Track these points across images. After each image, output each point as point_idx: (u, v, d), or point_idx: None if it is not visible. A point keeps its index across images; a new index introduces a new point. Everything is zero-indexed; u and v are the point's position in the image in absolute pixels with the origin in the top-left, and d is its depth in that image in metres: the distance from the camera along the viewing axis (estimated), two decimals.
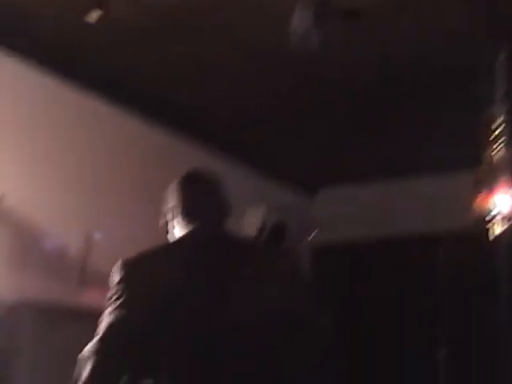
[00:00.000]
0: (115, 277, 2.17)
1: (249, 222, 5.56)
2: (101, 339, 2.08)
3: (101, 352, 2.06)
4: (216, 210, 2.36)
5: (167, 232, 2.38)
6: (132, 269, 2.18)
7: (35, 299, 3.96)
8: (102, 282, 4.24)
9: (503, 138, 3.56)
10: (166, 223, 2.39)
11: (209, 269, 2.19)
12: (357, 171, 5.92)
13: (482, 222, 3.65)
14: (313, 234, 6.23)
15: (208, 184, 2.41)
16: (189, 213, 2.32)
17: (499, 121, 3.56)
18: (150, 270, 2.17)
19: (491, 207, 3.62)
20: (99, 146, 4.62)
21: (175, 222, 2.35)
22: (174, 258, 2.23)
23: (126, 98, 4.67)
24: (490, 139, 3.57)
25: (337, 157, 5.58)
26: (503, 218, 3.59)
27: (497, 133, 3.56)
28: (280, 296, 2.21)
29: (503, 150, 3.55)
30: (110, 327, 2.09)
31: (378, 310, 5.86)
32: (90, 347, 2.08)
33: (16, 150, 4.11)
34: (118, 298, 2.12)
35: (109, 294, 2.16)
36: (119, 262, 2.19)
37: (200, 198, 2.37)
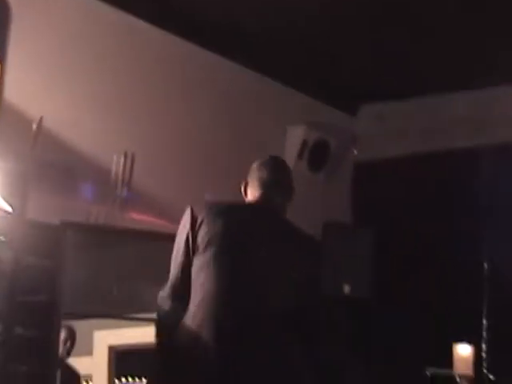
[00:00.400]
0: (185, 218, 2.85)
1: (291, 140, 5.54)
2: (171, 286, 2.83)
3: (172, 296, 2.82)
4: (282, 192, 3.05)
5: (246, 194, 3.08)
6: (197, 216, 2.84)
7: (78, 221, 4.02)
8: (143, 202, 4.28)
9: None
10: (246, 188, 3.07)
11: (253, 237, 2.87)
12: (397, 87, 5.80)
13: None
14: (354, 150, 6.20)
15: (281, 170, 3.10)
16: (261, 188, 3.01)
17: None
18: (212, 221, 2.83)
19: None
20: (139, 65, 4.54)
21: (250, 190, 3.05)
22: (233, 216, 2.92)
23: (165, 17, 4.57)
24: None
25: (378, 72, 5.48)
26: None
27: None
28: (294, 277, 2.79)
29: None
30: (179, 273, 2.81)
31: (419, 226, 5.81)
32: (167, 289, 2.84)
33: (54, 70, 4.07)
34: (182, 245, 2.82)
35: (178, 231, 2.88)
36: (189, 208, 2.87)
37: (273, 180, 3.02)
